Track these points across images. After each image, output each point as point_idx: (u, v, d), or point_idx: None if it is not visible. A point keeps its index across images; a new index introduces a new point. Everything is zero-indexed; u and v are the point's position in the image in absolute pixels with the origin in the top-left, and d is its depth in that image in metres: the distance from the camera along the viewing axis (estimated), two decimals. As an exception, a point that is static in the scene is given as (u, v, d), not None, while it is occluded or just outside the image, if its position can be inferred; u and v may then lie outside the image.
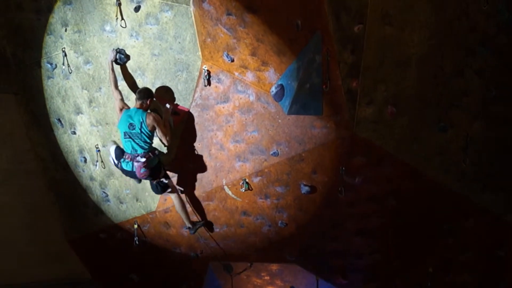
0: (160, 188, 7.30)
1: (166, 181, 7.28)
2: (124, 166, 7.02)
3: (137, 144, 6.82)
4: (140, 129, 6.75)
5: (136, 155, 6.86)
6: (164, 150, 7.38)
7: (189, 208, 7.78)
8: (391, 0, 6.04)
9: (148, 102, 6.83)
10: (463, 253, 7.75)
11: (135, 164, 6.88)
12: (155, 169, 7.07)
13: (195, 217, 7.88)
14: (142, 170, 6.90)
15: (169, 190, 7.38)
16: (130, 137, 6.82)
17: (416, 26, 6.20)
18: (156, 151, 7.03)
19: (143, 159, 6.86)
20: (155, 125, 6.78)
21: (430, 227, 7.46)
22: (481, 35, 6.42)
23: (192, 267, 8.91)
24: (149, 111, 6.88)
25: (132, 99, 7.07)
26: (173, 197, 7.52)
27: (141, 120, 6.73)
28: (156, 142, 7.21)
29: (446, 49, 6.37)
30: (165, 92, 7.01)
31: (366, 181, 6.92)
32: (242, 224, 7.77)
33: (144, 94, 6.83)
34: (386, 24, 6.09)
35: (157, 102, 7.04)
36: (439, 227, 7.49)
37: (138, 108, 6.82)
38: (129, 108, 6.94)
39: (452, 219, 7.40)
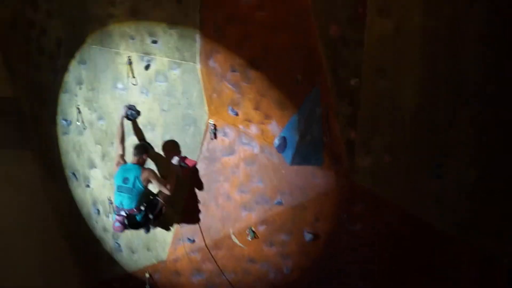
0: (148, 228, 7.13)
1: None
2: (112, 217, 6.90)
3: (126, 199, 6.62)
4: (133, 184, 6.58)
5: (121, 208, 6.66)
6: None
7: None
8: (385, 56, 6.06)
9: (144, 157, 6.76)
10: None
11: (116, 216, 6.69)
12: (135, 225, 6.83)
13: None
14: (116, 224, 6.68)
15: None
16: (121, 192, 6.65)
17: (409, 80, 6.20)
18: (142, 207, 6.78)
19: (124, 214, 6.65)
20: (150, 179, 6.64)
21: (428, 270, 7.22)
22: (472, 87, 6.36)
23: (201, 314, 8.66)
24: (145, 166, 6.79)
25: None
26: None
27: (136, 175, 6.59)
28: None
29: (438, 101, 6.33)
30: (173, 146, 6.97)
31: (366, 226, 6.79)
32: (249, 271, 7.56)
33: (140, 150, 6.76)
34: (381, 78, 6.10)
35: (157, 153, 7.02)
36: (437, 271, 7.27)
37: (135, 163, 6.71)
38: (126, 163, 6.81)
39: (449, 262, 7.19)
